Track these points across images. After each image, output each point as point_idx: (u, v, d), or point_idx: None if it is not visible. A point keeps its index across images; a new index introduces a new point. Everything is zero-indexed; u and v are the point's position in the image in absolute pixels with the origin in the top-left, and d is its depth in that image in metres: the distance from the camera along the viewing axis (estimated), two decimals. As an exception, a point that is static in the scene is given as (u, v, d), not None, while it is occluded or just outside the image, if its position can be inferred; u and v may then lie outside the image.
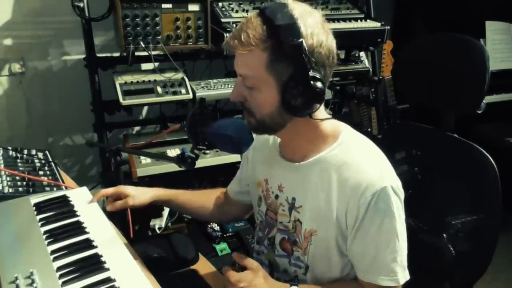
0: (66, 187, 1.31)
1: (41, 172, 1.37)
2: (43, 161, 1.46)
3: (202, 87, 1.97)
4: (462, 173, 1.17)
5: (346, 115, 2.76)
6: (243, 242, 1.78)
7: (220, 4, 1.97)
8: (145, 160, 1.86)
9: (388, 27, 2.13)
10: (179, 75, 1.95)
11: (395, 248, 0.92)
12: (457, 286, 1.17)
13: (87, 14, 1.76)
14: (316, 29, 0.86)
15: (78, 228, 1.01)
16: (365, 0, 2.26)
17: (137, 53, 1.81)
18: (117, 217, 1.27)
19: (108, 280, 0.83)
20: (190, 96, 1.90)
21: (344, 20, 2.11)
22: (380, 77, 2.41)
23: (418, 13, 2.78)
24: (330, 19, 2.07)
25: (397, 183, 0.93)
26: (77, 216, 1.07)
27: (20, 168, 1.36)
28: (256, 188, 1.14)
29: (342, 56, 2.34)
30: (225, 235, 1.82)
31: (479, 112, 1.12)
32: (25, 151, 1.50)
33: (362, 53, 2.36)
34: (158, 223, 1.87)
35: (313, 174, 0.97)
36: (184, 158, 1.08)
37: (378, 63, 2.40)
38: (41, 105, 2.20)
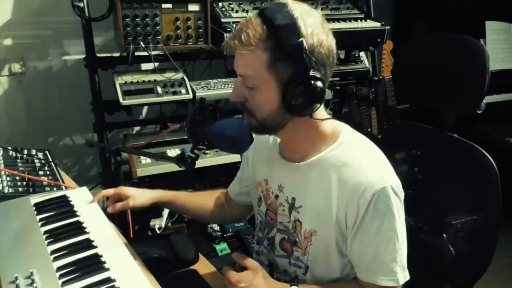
0: (66, 187, 1.31)
1: (41, 172, 1.37)
2: (43, 161, 1.46)
3: (202, 87, 1.97)
4: (462, 173, 1.17)
5: (346, 115, 2.76)
6: (243, 242, 1.77)
7: (220, 4, 1.97)
8: (145, 160, 1.86)
9: (388, 27, 2.12)
10: (179, 75, 1.95)
11: (395, 248, 0.92)
12: (457, 286, 1.17)
13: (87, 14, 1.76)
14: (316, 29, 0.86)
15: (78, 228, 1.01)
16: (365, 0, 2.26)
17: (137, 53, 1.81)
18: (117, 217, 1.27)
19: (108, 280, 0.83)
20: (190, 96, 1.90)
21: (344, 20, 2.11)
22: (380, 77, 2.41)
23: (418, 13, 2.78)
24: (330, 19, 2.07)
25: (397, 183, 0.93)
26: (77, 216, 1.07)
27: (20, 168, 1.36)
28: (256, 188, 1.14)
29: (342, 56, 2.34)
30: (225, 235, 1.82)
31: (479, 112, 1.12)
32: (25, 151, 1.50)
33: (362, 53, 2.36)
34: (158, 223, 1.87)
35: (313, 174, 0.97)
36: (184, 158, 1.08)
37: (378, 63, 2.40)
38: (41, 105, 2.20)
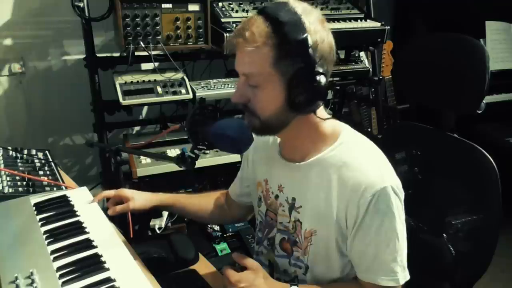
0: (66, 187, 1.31)
1: (41, 172, 1.37)
2: (43, 161, 1.46)
3: (202, 87, 1.96)
4: (462, 173, 1.17)
5: (346, 115, 2.77)
6: (243, 242, 1.77)
7: (220, 4, 1.97)
8: (145, 160, 1.86)
9: (388, 27, 2.12)
10: (179, 75, 1.95)
11: (395, 248, 0.92)
12: (457, 286, 1.17)
13: (87, 14, 1.76)
14: (317, 26, 0.87)
15: (78, 228, 1.01)
16: (365, 0, 2.26)
17: (137, 53, 1.81)
18: (117, 217, 1.26)
19: (108, 280, 0.83)
20: (190, 96, 1.90)
21: (344, 20, 2.11)
22: (380, 77, 2.41)
23: (418, 13, 2.78)
24: (330, 19, 2.07)
25: (397, 183, 0.93)
26: (77, 216, 1.07)
27: (20, 168, 1.36)
28: (256, 188, 1.14)
29: (342, 56, 2.34)
30: (225, 235, 1.81)
31: (479, 112, 1.12)
32: (25, 151, 1.50)
33: (362, 53, 2.36)
34: (158, 223, 1.87)
35: (313, 174, 0.97)
36: (184, 158, 1.08)
37: (378, 63, 2.40)
38: (41, 105, 2.20)
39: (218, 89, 1.96)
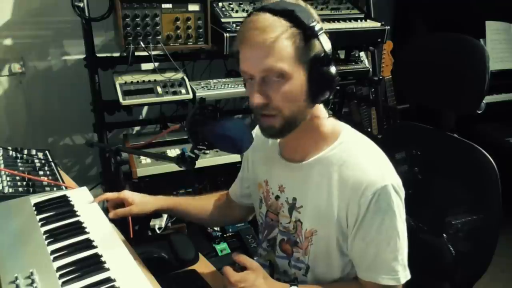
0: (66, 187, 1.31)
1: (41, 172, 1.37)
2: (43, 161, 1.45)
3: (202, 87, 1.97)
4: (462, 173, 1.17)
5: (346, 115, 2.77)
6: (243, 242, 1.77)
7: (220, 4, 1.97)
8: (145, 160, 1.86)
9: (388, 27, 2.13)
10: (179, 75, 1.95)
11: (396, 247, 0.92)
12: (457, 286, 1.17)
13: (87, 14, 1.76)
14: (317, 17, 0.89)
15: (78, 228, 1.01)
16: (365, 0, 2.26)
17: (137, 53, 1.81)
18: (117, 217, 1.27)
19: (108, 280, 0.83)
20: (190, 96, 1.90)
21: (344, 20, 2.11)
22: (380, 77, 2.41)
23: (418, 13, 2.78)
24: (330, 19, 2.07)
25: (397, 181, 0.93)
26: (77, 216, 1.07)
27: (20, 168, 1.36)
28: (257, 189, 1.14)
29: (342, 56, 2.34)
30: (225, 235, 1.82)
31: (479, 112, 1.12)
32: (25, 151, 1.50)
33: (362, 53, 2.36)
34: (158, 223, 1.87)
35: (314, 173, 0.97)
36: (184, 158, 1.08)
37: (378, 63, 2.40)
38: (41, 105, 2.20)
39: (218, 89, 1.96)
